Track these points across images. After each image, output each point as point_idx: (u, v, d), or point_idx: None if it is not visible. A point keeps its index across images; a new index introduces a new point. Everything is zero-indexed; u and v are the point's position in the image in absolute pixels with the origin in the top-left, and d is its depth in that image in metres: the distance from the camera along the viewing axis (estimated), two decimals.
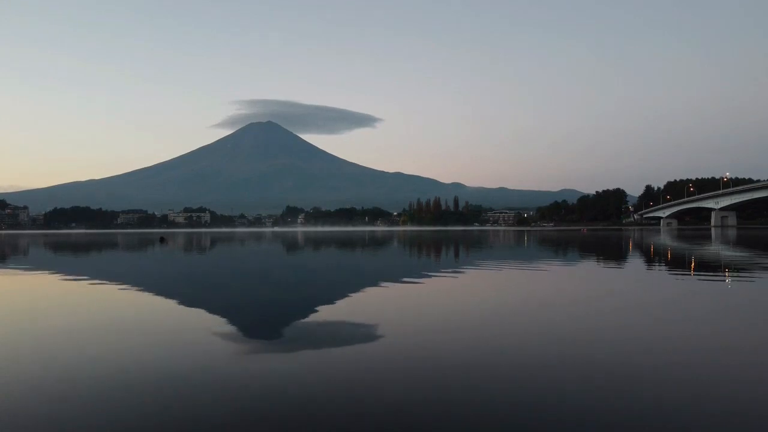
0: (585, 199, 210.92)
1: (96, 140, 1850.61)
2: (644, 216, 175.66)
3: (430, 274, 13.88)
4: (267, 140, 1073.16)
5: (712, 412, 3.54)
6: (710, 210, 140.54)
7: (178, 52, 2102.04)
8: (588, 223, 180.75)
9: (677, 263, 17.14)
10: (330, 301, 9.08)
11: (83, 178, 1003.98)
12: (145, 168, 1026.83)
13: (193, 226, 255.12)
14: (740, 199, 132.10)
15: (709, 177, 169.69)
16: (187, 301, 9.27)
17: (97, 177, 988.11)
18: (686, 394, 3.88)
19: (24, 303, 9.43)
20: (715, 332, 6.14)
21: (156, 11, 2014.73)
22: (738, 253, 21.59)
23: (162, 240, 37.90)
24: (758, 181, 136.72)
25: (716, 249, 25.26)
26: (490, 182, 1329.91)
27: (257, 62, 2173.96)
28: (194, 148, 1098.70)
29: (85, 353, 5.39)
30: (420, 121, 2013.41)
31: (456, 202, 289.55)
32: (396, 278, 12.50)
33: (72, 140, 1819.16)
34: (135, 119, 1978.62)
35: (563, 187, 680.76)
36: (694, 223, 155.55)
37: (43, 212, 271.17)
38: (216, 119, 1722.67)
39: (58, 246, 38.50)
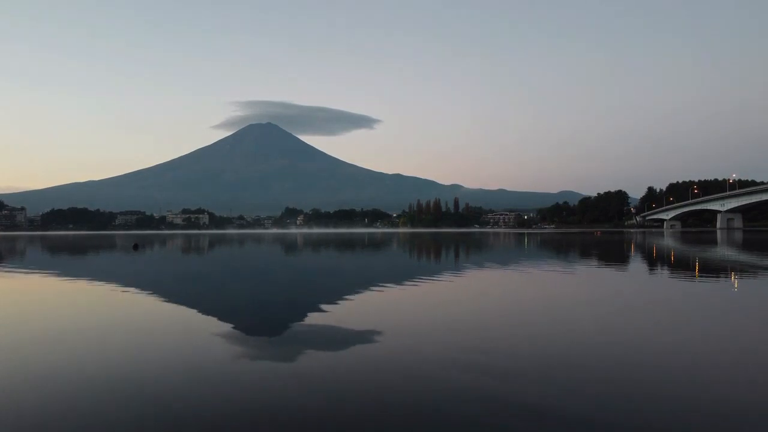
0: (586, 201, 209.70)
1: (95, 141, 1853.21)
2: (646, 218, 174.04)
3: (430, 276, 13.56)
4: (266, 141, 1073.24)
5: (713, 412, 3.61)
6: (714, 212, 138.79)
7: (177, 53, 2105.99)
8: (589, 225, 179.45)
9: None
10: (327, 303, 8.70)
11: (82, 179, 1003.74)
12: (144, 169, 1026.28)
13: (191, 228, 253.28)
14: (749, 201, 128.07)
15: (712, 179, 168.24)
16: (182, 302, 8.90)
17: (96, 178, 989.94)
18: (691, 395, 3.95)
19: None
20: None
21: (155, 13, 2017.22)
22: None
23: (135, 247, 36.70)
24: (762, 183, 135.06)
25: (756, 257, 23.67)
26: (490, 183, 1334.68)
27: (256, 64, 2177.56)
28: (194, 149, 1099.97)
29: (84, 354, 5.40)
30: (418, 122, 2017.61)
31: (456, 203, 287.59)
32: (394, 281, 12.18)
33: (71, 141, 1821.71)
34: (135, 120, 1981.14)
35: (563, 189, 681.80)
36: (698, 225, 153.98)
37: (41, 213, 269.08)
38: (215, 120, 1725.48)
39: (47, 248, 37.05)
